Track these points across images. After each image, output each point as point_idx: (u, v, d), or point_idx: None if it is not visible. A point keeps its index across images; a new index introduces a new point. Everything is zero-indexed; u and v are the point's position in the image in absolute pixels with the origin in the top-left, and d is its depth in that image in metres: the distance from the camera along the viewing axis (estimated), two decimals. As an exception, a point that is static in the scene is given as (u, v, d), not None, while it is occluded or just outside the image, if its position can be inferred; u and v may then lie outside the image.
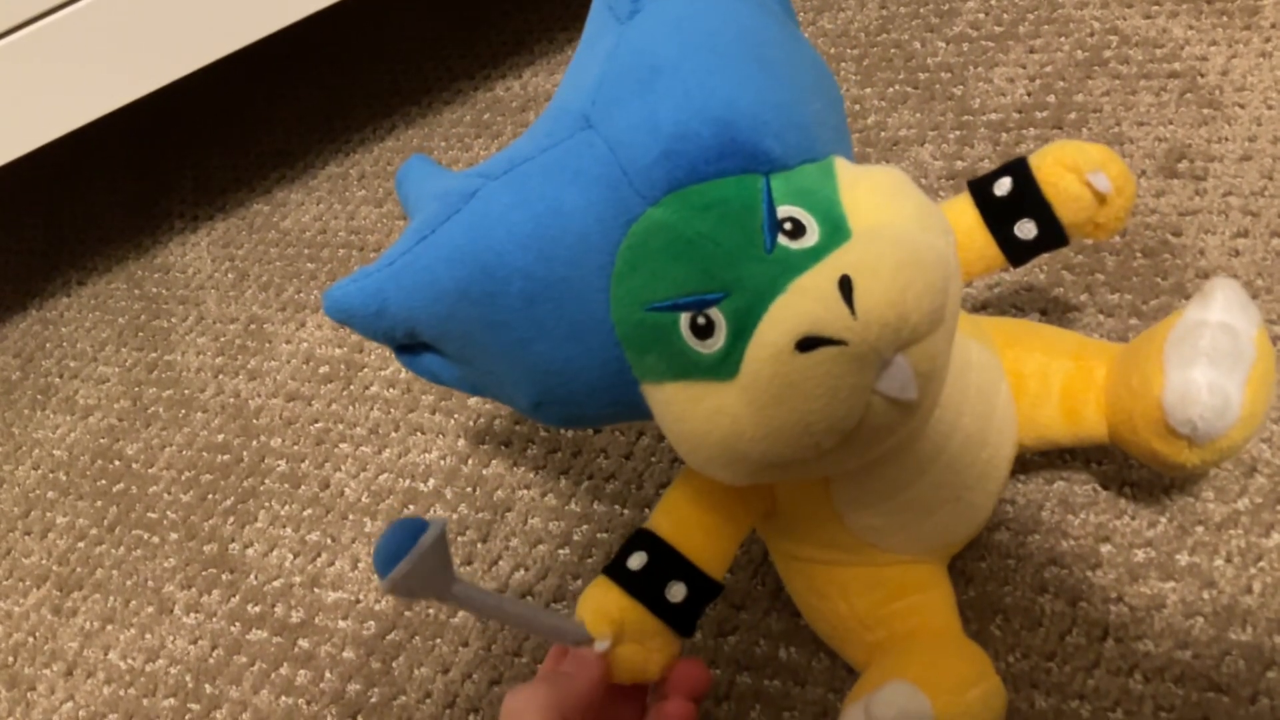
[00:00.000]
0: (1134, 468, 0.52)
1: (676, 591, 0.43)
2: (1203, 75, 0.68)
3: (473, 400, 0.68)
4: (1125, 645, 0.47)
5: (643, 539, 0.44)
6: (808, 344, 0.33)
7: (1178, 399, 0.42)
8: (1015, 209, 0.46)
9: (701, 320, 0.35)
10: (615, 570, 0.43)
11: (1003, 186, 0.47)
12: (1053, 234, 0.47)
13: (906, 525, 0.45)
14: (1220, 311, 0.43)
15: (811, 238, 0.36)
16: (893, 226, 0.36)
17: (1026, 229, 0.46)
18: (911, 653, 0.43)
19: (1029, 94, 0.71)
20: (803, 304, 0.34)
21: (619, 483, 0.61)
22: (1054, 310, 0.59)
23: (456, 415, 0.68)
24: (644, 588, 0.43)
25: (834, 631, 0.47)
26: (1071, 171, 0.46)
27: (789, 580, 0.49)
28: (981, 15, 0.78)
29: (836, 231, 0.36)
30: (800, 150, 0.37)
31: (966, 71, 0.74)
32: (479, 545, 0.61)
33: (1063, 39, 0.74)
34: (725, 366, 0.35)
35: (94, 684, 0.63)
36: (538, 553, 0.59)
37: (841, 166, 0.38)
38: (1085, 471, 0.52)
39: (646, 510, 0.59)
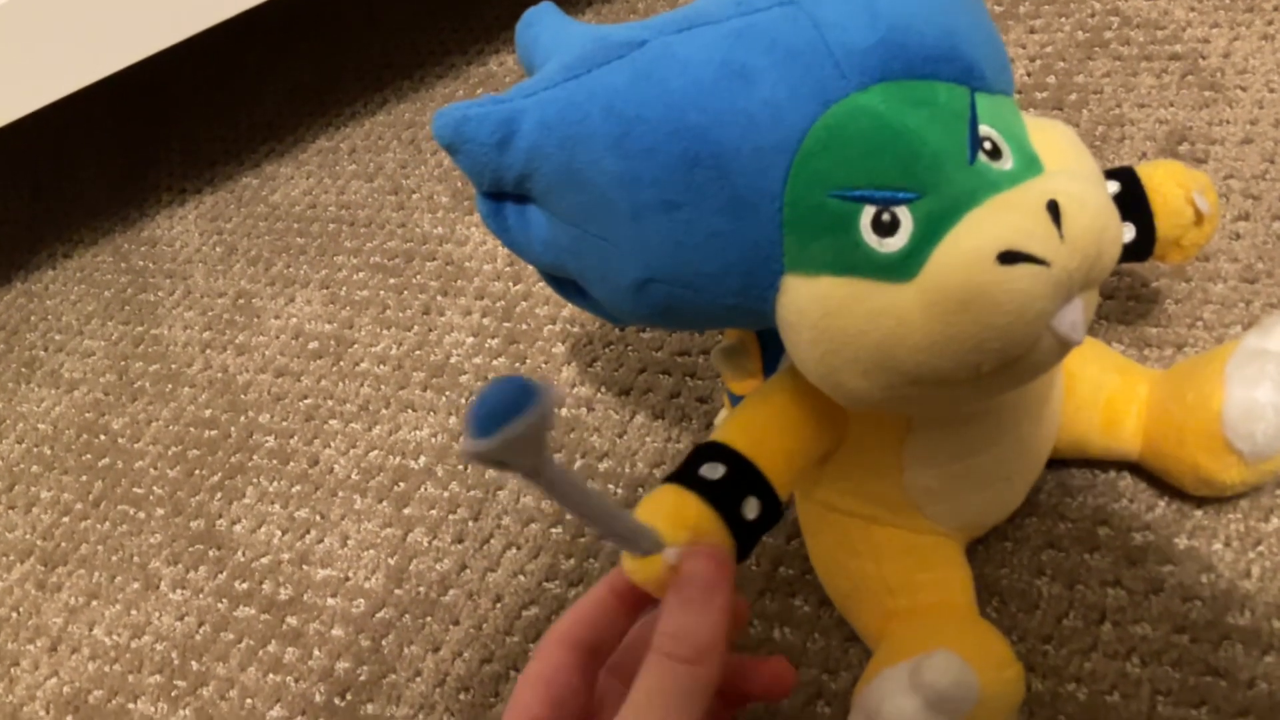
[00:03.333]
0: (1132, 451, 0.51)
1: (752, 508, 0.40)
2: (1204, 58, 0.67)
3: (465, 377, 0.68)
4: (1122, 629, 0.47)
5: (717, 450, 0.41)
6: (1009, 257, 0.32)
7: (1240, 415, 0.44)
8: (1120, 211, 0.46)
9: (887, 217, 0.34)
10: (689, 478, 0.40)
11: (1110, 187, 0.47)
12: (1145, 243, 0.48)
13: (959, 494, 0.45)
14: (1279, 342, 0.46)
15: (1008, 163, 0.35)
16: (1081, 172, 0.36)
17: (1125, 233, 0.47)
18: (946, 624, 0.43)
19: (1029, 74, 0.70)
20: (1011, 217, 0.33)
21: (612, 461, 0.60)
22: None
23: (448, 392, 0.67)
24: (722, 498, 0.39)
25: (854, 591, 0.47)
26: (1180, 187, 0.48)
27: (818, 533, 0.48)
28: (982, -6, 0.77)
29: (1030, 164, 0.36)
30: (1001, 79, 0.37)
31: (966, 51, 0.74)
32: (470, 524, 0.60)
33: (1063, 19, 0.73)
34: (903, 268, 0.34)
35: (78, 660, 0.63)
36: (530, 531, 0.59)
37: (1024, 113, 0.38)
38: (1083, 454, 0.52)
39: (640, 489, 0.58)
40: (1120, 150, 0.64)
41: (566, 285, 0.44)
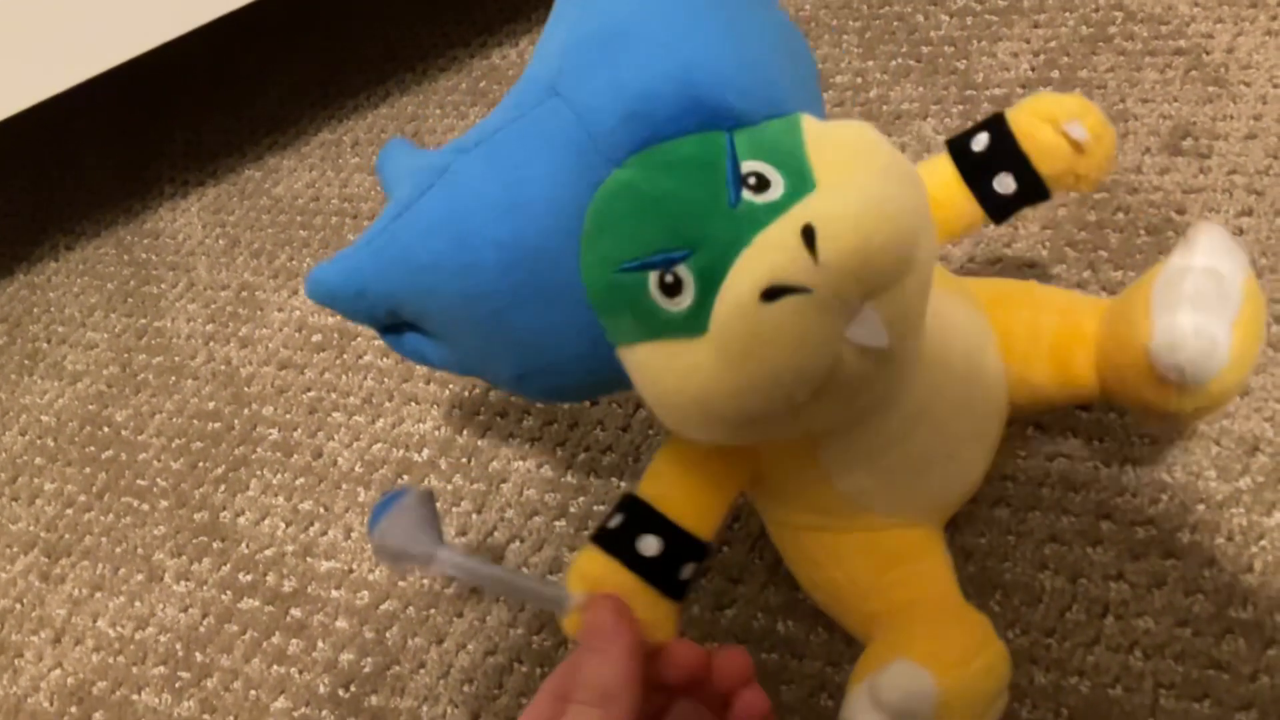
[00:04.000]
0: (1135, 445, 0.51)
1: (649, 545, 0.42)
2: (1208, 53, 0.67)
3: (468, 370, 0.68)
4: (1125, 622, 0.47)
5: (623, 502, 0.44)
6: (773, 294, 0.33)
7: (1164, 344, 0.41)
8: (993, 163, 0.46)
9: (670, 279, 0.35)
10: (596, 533, 0.43)
11: (980, 142, 0.46)
12: (1032, 187, 0.46)
13: (897, 485, 0.45)
14: (1204, 256, 0.42)
15: (776, 191, 0.36)
16: (858, 178, 0.36)
17: (1005, 183, 0.46)
18: (913, 626, 0.43)
19: (1033, 69, 0.70)
20: (766, 254, 0.34)
21: (616, 455, 0.60)
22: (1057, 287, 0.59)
23: (451, 386, 0.67)
24: (617, 543, 0.42)
25: (832, 600, 0.47)
26: (1047, 122, 0.45)
27: (784, 549, 0.49)
28: (986, -11, 0.77)
29: (801, 184, 0.36)
30: (764, 106, 0.37)
31: (970, 45, 0.74)
32: (474, 516, 0.60)
33: (1067, 14, 0.73)
34: (695, 323, 0.35)
35: (82, 651, 0.63)
36: (533, 524, 0.59)
37: (808, 122, 0.38)
38: (1086, 448, 0.52)
39: (644, 483, 0.58)
40: (1124, 145, 0.64)
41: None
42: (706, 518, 0.44)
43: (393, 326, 0.44)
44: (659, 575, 0.42)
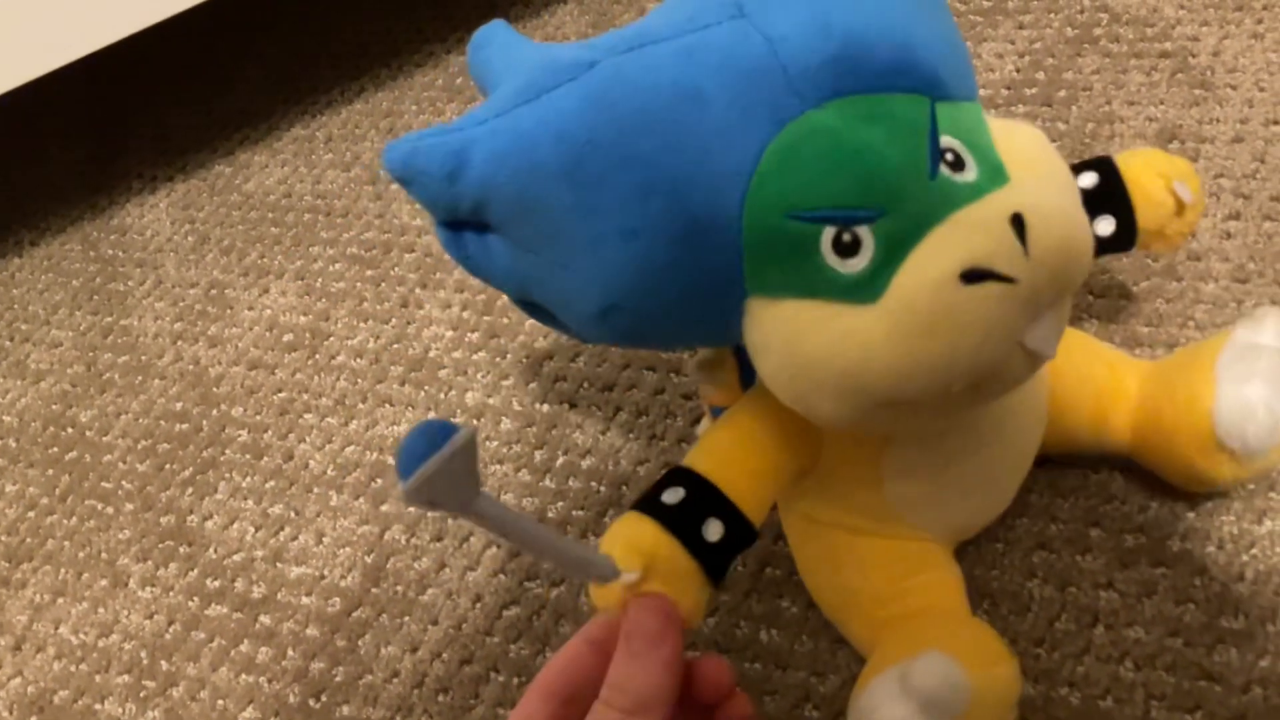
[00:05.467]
0: (1124, 451, 0.51)
1: (714, 529, 0.39)
2: (1194, 55, 0.67)
3: (444, 371, 0.66)
4: (1116, 632, 0.46)
5: (680, 475, 0.41)
6: (974, 276, 0.32)
7: (1232, 414, 0.43)
8: (1098, 204, 0.46)
9: (847, 237, 0.33)
10: (649, 505, 0.39)
11: (1086, 179, 0.47)
12: (1126, 235, 0.47)
13: (944, 502, 0.45)
14: (1273, 337, 0.45)
15: (971, 174, 0.34)
16: (1047, 181, 0.35)
17: (1104, 226, 0.46)
18: (935, 625, 0.42)
19: (1018, 70, 0.70)
20: (973, 235, 0.32)
21: (595, 459, 0.59)
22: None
23: (427, 387, 0.66)
24: (680, 522, 0.39)
25: (843, 603, 0.46)
26: (1160, 176, 0.47)
27: (803, 546, 0.48)
28: (971, -11, 0.76)
29: (995, 174, 0.35)
30: (963, 87, 0.36)
31: (954, 46, 0.73)
32: (450, 521, 0.59)
33: (1052, 15, 0.72)
34: (867, 289, 0.33)
35: (44, 659, 0.61)
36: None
37: (989, 118, 0.37)
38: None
39: (624, 488, 0.57)
40: (1110, 148, 0.63)
41: (536, 309, 0.42)
42: (762, 506, 0.42)
43: (461, 223, 0.40)
44: (716, 563, 0.39)
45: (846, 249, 0.33)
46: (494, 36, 0.42)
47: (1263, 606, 0.45)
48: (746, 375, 0.46)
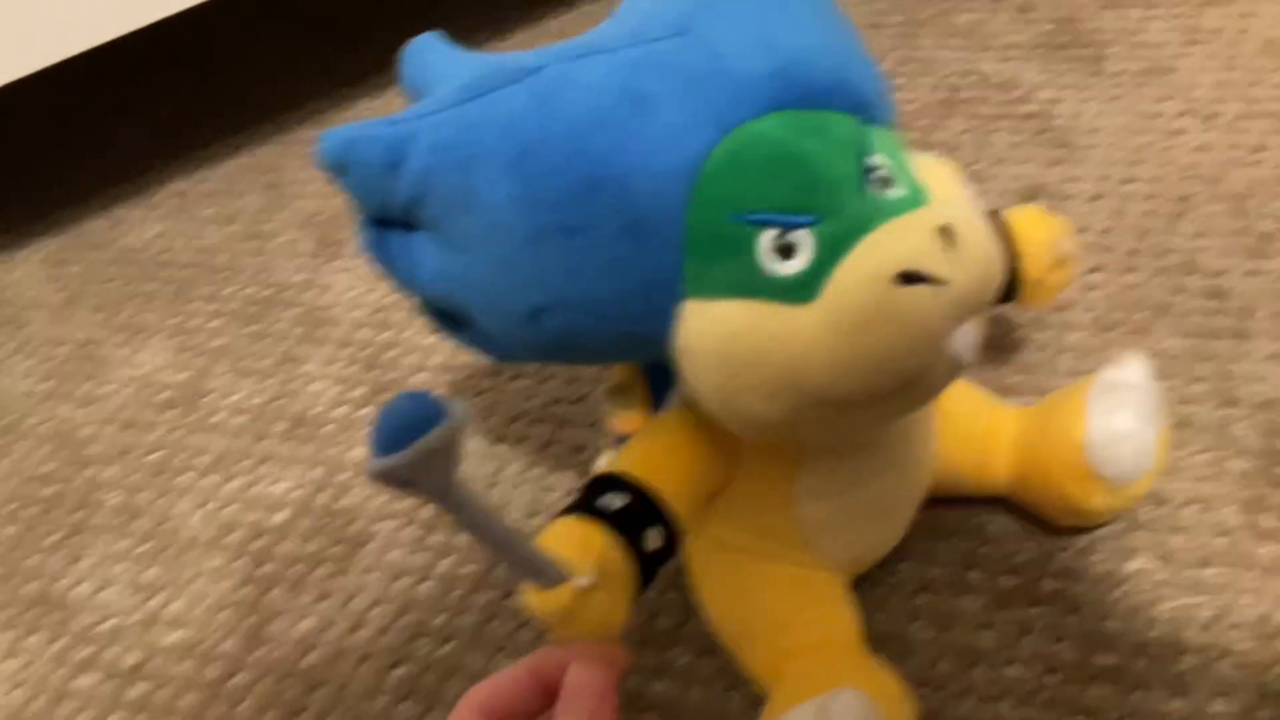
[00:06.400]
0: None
1: (653, 538, 0.40)
2: (1056, 117, 0.70)
3: (327, 428, 0.65)
4: (995, 671, 0.47)
5: (618, 481, 0.40)
6: (907, 278, 0.34)
7: (1103, 443, 0.46)
8: None
9: (787, 239, 0.35)
10: (592, 509, 0.39)
11: None
12: (1012, 285, 0.49)
13: (848, 527, 0.46)
14: (1137, 375, 0.48)
15: (898, 190, 0.37)
16: (964, 201, 0.38)
17: None
18: (844, 661, 0.43)
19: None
20: (907, 240, 0.34)
21: (483, 513, 0.58)
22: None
23: (309, 444, 0.65)
24: (624, 528, 0.39)
25: (747, 629, 0.47)
26: (1041, 231, 0.50)
27: (708, 572, 0.48)
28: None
29: (919, 192, 0.37)
30: (886, 113, 0.39)
31: (831, 106, 0.75)
32: (334, 580, 0.58)
33: (923, 79, 0.75)
34: (804, 290, 0.35)
35: (-106, 739, 0.57)
36: (398, 587, 0.56)
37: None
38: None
39: (512, 541, 0.57)
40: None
41: (449, 320, 0.42)
42: (691, 516, 0.42)
43: (385, 222, 0.40)
44: (650, 569, 0.40)
45: (786, 251, 0.35)
46: (433, 42, 0.43)
47: (1133, 643, 0.47)
48: (658, 399, 0.46)
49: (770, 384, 0.36)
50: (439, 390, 0.65)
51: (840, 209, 0.35)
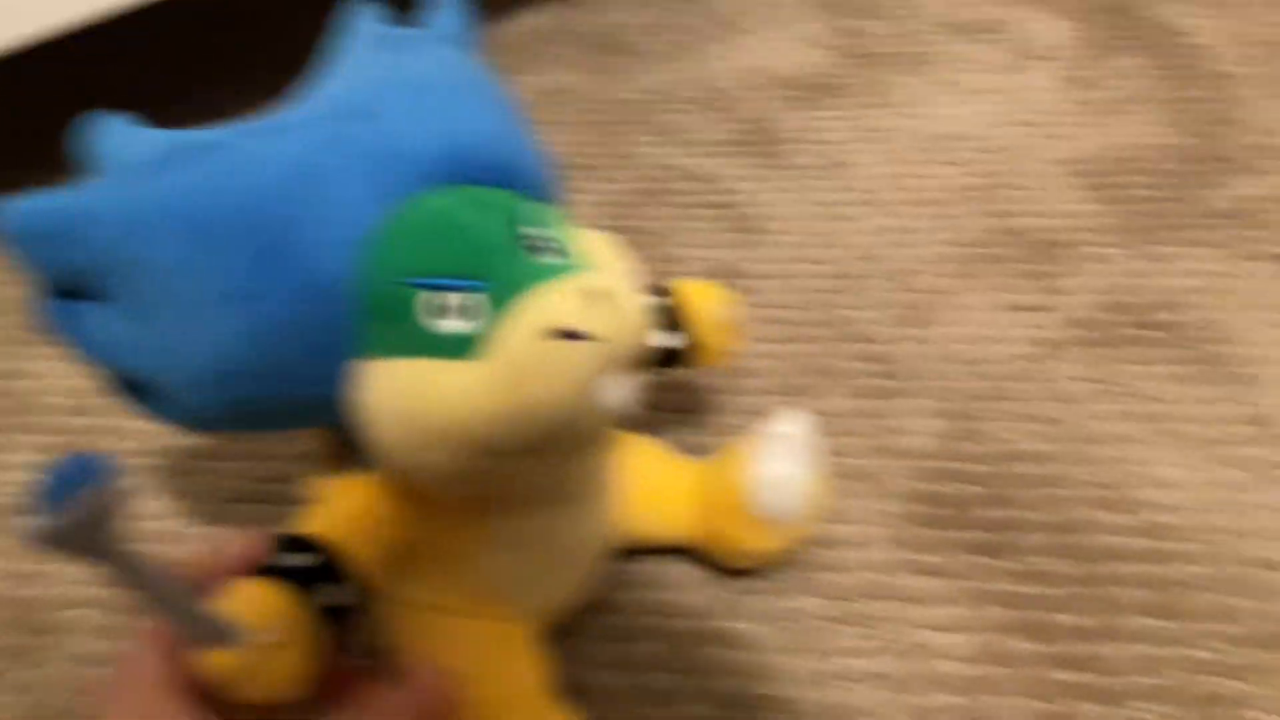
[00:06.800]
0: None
1: (337, 595, 0.41)
2: (743, 206, 0.76)
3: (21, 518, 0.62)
4: (674, 709, 0.50)
5: (301, 541, 0.42)
6: (559, 335, 0.37)
7: (764, 487, 0.51)
8: (661, 323, 0.53)
9: (453, 301, 0.37)
10: (277, 569, 0.40)
11: (651, 301, 0.53)
12: (685, 352, 0.54)
13: (535, 578, 0.48)
14: (796, 428, 0.53)
15: (558, 258, 0.40)
16: (619, 268, 0.42)
17: (667, 341, 0.53)
18: (531, 712, 0.46)
19: (595, 219, 0.77)
20: (563, 300, 0.37)
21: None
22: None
23: (6, 536, 0.62)
24: (308, 586, 0.40)
25: None
26: (709, 300, 0.55)
27: (400, 629, 0.48)
28: (560, 148, 0.84)
29: (575, 260, 0.40)
30: (547, 190, 0.43)
31: (543, 196, 0.80)
32: (20, 674, 0.55)
33: (626, 171, 0.81)
34: (468, 347, 0.37)
35: None
36: (91, 676, 0.54)
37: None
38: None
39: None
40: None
41: (139, 392, 0.43)
42: (377, 573, 0.43)
43: (66, 294, 0.41)
44: (335, 628, 0.41)
45: (451, 312, 0.38)
46: (111, 120, 0.44)
47: (793, 676, 0.50)
48: (352, 460, 0.47)
49: (441, 437, 0.38)
50: (143, 474, 0.64)
51: (500, 272, 0.38)
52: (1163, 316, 0.64)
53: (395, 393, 0.38)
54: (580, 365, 0.37)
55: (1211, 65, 0.83)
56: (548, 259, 0.40)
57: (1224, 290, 0.66)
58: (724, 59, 0.91)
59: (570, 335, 0.37)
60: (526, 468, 0.41)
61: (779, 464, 0.51)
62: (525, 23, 0.99)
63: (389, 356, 0.38)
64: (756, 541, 0.52)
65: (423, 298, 0.38)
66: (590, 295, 0.38)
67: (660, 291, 0.54)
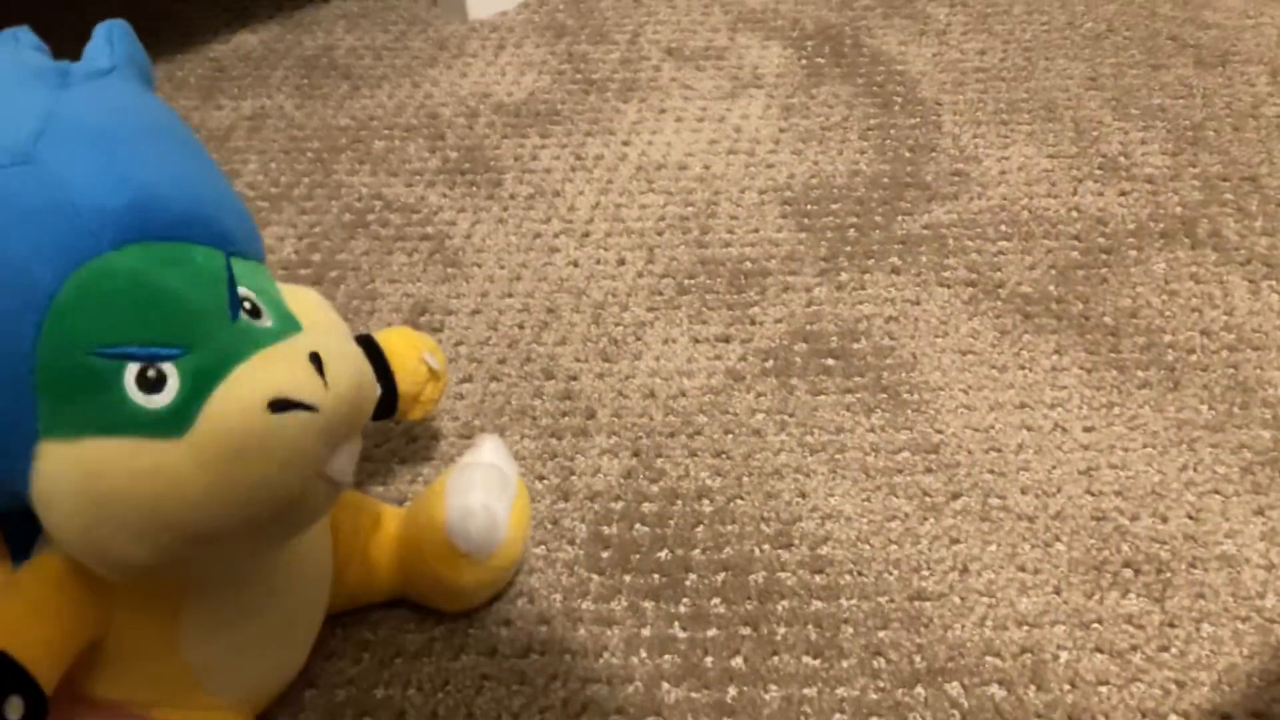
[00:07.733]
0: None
1: (15, 707, 0.37)
2: (450, 238, 0.74)
3: None
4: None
5: None
6: (279, 406, 0.34)
7: (458, 519, 0.49)
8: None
9: (152, 373, 0.34)
10: None
11: None
12: (389, 402, 0.52)
13: (243, 662, 0.44)
14: (489, 455, 0.52)
15: (268, 321, 0.37)
16: (334, 332, 0.39)
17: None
18: None
19: (296, 253, 0.74)
20: (278, 369, 0.35)
21: None
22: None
23: None
24: None
25: None
26: (413, 349, 0.53)
27: None
28: (261, 177, 0.80)
29: (289, 321, 0.38)
30: (252, 247, 0.40)
31: (240, 230, 0.75)
32: None
33: (333, 201, 0.77)
34: (174, 423, 0.34)
35: None
36: None
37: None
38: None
39: None
40: (370, 321, 0.68)
41: None
42: (57, 675, 0.39)
43: None
44: None
45: (151, 385, 0.35)
46: None
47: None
48: (20, 551, 0.43)
49: (138, 524, 0.35)
50: None
51: (206, 340, 0.35)
52: (848, 345, 0.65)
53: (85, 476, 0.35)
54: (304, 438, 0.35)
55: (918, 93, 0.85)
56: (260, 322, 0.37)
57: (913, 317, 0.67)
58: (444, 84, 0.89)
59: (292, 406, 0.35)
60: (238, 550, 0.39)
61: (472, 496, 0.50)
62: (241, 42, 0.94)
63: (81, 436, 0.35)
64: (460, 579, 0.50)
65: (127, 370, 0.34)
66: (313, 360, 0.36)
67: (364, 342, 0.51)
